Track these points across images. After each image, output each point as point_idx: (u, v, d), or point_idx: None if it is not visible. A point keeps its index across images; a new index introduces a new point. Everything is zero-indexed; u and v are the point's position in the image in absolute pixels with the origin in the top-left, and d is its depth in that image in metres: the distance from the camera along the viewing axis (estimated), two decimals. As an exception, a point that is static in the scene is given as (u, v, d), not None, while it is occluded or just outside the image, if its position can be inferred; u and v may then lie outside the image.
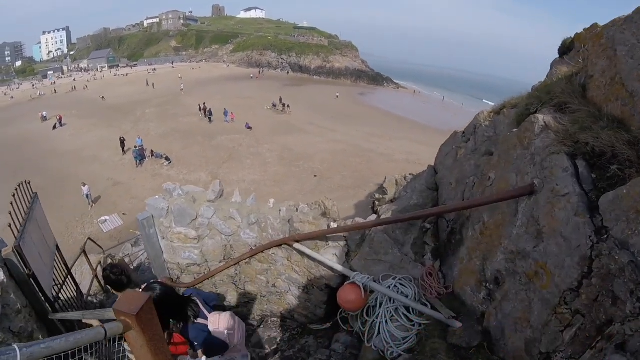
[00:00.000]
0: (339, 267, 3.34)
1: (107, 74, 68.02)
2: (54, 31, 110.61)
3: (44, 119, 33.91)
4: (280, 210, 3.62)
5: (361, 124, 31.31)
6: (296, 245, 3.42)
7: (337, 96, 44.56)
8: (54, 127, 30.84)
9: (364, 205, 13.55)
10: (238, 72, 61.09)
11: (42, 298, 3.70)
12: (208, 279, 3.90)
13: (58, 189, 17.34)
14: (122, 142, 22.23)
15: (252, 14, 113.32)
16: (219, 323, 2.30)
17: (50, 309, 3.81)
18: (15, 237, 3.46)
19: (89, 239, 6.12)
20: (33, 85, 66.24)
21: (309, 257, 3.47)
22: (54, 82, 65.56)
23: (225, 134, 25.39)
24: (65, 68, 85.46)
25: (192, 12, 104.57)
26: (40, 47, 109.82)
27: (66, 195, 16.54)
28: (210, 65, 70.46)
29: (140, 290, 2.15)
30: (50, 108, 36.23)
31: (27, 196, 4.11)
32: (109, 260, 7.36)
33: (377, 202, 6.48)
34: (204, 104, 30.56)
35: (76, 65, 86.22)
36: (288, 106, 33.46)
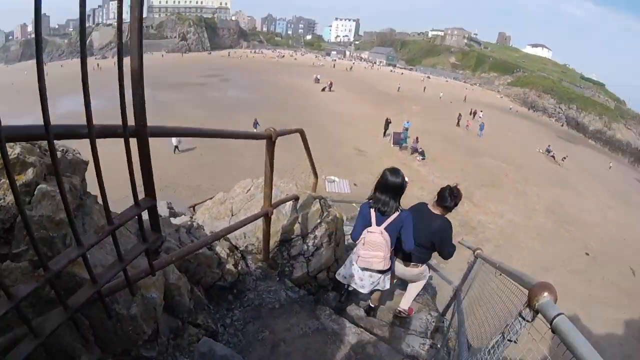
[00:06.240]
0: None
1: (384, 68, 76.76)
2: (345, 19, 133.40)
3: (317, 81, 41.83)
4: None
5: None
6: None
7: (610, 167, 32.66)
8: (323, 90, 37.27)
9: None
10: (506, 105, 55.43)
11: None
12: None
13: (307, 134, 20.18)
14: (387, 123, 22.13)
15: (538, 51, 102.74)
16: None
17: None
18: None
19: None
20: (316, 57, 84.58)
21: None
22: (335, 60, 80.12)
23: (490, 156, 22.92)
24: (347, 53, 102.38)
25: (477, 35, 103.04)
26: (330, 30, 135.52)
27: (314, 142, 18.87)
28: (484, 90, 66.73)
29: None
30: (325, 76, 44.00)
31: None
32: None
33: None
34: (475, 111, 34.11)
35: (358, 54, 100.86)
36: (563, 159, 27.07)
